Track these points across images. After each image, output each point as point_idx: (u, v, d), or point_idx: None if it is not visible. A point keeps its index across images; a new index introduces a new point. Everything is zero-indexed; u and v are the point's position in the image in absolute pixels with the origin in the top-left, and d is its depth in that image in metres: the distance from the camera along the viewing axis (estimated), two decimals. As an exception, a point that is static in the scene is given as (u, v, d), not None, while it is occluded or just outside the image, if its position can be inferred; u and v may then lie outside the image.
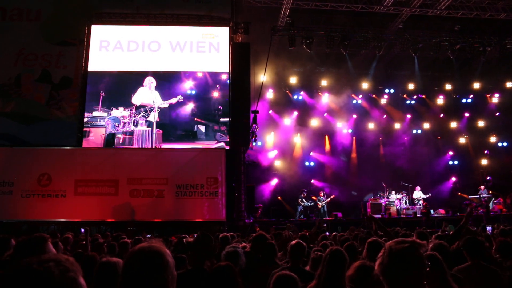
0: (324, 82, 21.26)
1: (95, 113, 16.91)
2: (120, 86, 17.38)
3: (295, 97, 21.83)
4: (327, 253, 3.61)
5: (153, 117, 17.12)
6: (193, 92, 17.52)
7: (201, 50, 17.71)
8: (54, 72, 16.86)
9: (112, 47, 17.49)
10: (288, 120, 21.52)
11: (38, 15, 17.17)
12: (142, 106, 17.11)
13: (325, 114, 22.11)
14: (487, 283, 4.19)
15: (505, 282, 4.26)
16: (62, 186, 15.68)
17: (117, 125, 17.00)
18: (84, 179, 15.87)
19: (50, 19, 17.18)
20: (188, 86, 17.52)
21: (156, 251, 2.03)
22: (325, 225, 15.59)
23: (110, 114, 16.98)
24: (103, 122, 16.94)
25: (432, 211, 18.75)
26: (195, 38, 17.74)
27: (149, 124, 17.05)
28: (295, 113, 21.74)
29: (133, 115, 16.98)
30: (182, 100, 17.21)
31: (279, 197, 20.38)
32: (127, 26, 17.66)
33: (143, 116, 17.05)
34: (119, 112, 17.04)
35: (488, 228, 9.57)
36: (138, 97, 17.21)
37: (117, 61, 17.45)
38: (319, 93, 21.88)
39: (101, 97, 17.05)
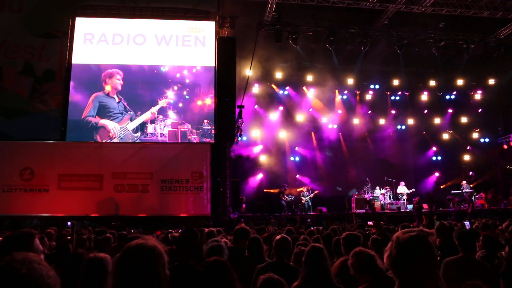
0: (309, 78, 21.28)
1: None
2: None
3: (281, 92, 21.83)
4: (306, 251, 3.63)
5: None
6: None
7: (187, 44, 17.62)
8: (37, 64, 16.62)
9: (96, 40, 17.30)
10: (274, 115, 21.52)
11: (20, 6, 16.89)
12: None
13: (311, 110, 22.16)
14: (476, 276, 4.28)
15: (492, 277, 4.34)
16: (45, 181, 15.50)
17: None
18: (68, 173, 15.70)
19: (33, 10, 16.91)
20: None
21: (153, 248, 2.04)
22: (309, 220, 15.68)
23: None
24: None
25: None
26: (181, 32, 17.63)
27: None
28: (281, 108, 21.74)
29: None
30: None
31: (265, 190, 20.42)
32: (112, 19, 17.49)
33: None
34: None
35: (467, 223, 9.69)
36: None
37: (101, 54, 17.24)
38: (305, 89, 21.91)
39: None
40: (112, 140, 16.67)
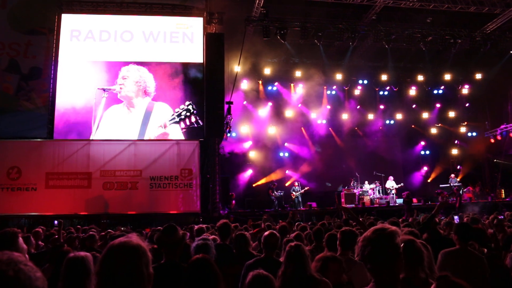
0: (298, 73, 21.29)
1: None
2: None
3: (270, 88, 21.82)
4: (286, 251, 3.63)
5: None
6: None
7: (175, 40, 17.52)
8: (23, 62, 16.40)
9: (83, 36, 17.11)
10: (263, 111, 21.52)
11: (4, 1, 16.61)
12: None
13: (300, 105, 22.18)
14: (472, 268, 4.35)
15: (486, 268, 4.43)
16: (32, 179, 15.38)
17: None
18: (56, 171, 15.60)
19: (17, 6, 16.65)
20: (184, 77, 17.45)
21: (136, 246, 2.02)
22: (299, 215, 15.72)
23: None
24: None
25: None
26: (168, 28, 17.53)
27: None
28: (270, 104, 21.74)
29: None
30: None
31: (253, 184, 20.46)
32: (99, 15, 17.32)
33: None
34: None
35: (456, 217, 9.79)
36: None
37: (88, 51, 17.08)
38: (293, 84, 21.92)
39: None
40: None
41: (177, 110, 16.58)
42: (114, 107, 16.58)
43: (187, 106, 16.52)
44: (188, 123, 16.39)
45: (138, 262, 1.99)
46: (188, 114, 16.40)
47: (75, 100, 16.49)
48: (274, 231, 4.94)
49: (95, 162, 15.90)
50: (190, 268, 2.99)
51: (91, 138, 16.22)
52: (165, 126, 16.50)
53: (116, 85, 16.64)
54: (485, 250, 5.48)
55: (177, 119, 16.47)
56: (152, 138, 16.54)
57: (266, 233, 4.83)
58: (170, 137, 16.56)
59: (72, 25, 17.12)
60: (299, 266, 3.41)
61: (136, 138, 16.45)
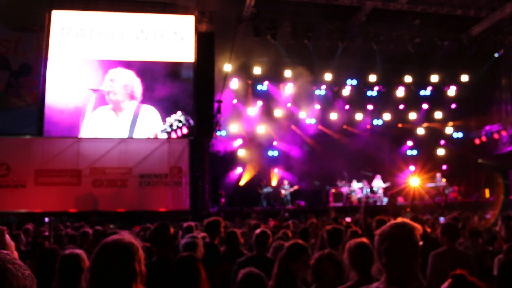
0: (288, 73, 21.41)
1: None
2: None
3: (260, 87, 21.91)
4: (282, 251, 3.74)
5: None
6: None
7: (166, 39, 17.54)
8: (13, 58, 16.32)
9: (74, 33, 17.05)
10: (252, 110, 21.62)
11: (-6, -1, 16.53)
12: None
13: (289, 105, 22.31)
14: (461, 267, 4.51)
15: (475, 266, 4.58)
16: (21, 176, 15.31)
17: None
18: (45, 169, 15.56)
19: (7, 3, 16.53)
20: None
21: (129, 244, 2.06)
22: (287, 214, 15.88)
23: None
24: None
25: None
26: (159, 27, 17.55)
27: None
28: (259, 102, 21.84)
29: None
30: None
31: (240, 183, 20.56)
32: (90, 12, 17.24)
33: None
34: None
35: (441, 218, 9.98)
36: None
37: (79, 49, 17.04)
38: (283, 84, 22.05)
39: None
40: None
41: (168, 119, 16.57)
42: (101, 108, 16.57)
43: (179, 117, 16.53)
44: (179, 134, 16.44)
45: (131, 260, 2.02)
46: (180, 125, 16.43)
47: (64, 98, 16.44)
48: (266, 229, 5.06)
49: (85, 159, 15.88)
50: (174, 266, 3.05)
51: (79, 136, 16.22)
52: (155, 137, 16.59)
53: (105, 85, 16.64)
54: (490, 247, 5.70)
55: (169, 130, 16.50)
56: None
57: (258, 231, 4.93)
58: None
59: (62, 22, 17.04)
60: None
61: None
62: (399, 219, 2.37)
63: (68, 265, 3.22)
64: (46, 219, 11.67)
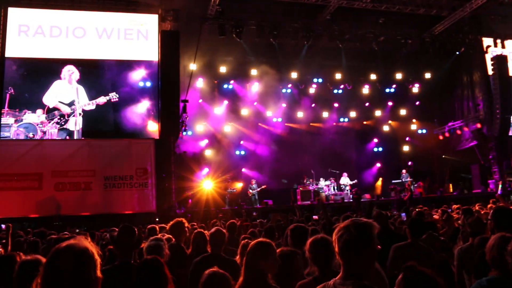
0: (254, 71, 21.38)
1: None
2: (37, 81, 16.23)
3: (225, 86, 21.77)
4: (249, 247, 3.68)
5: (74, 123, 16.23)
6: (148, 84, 17.05)
7: (129, 37, 17.22)
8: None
9: (32, 32, 16.50)
10: (219, 109, 21.48)
11: None
12: (55, 108, 16.09)
13: (255, 103, 22.27)
14: (421, 262, 4.56)
15: (437, 262, 4.65)
16: (-21, 181, 14.75)
17: (32, 135, 15.80)
18: (4, 173, 15.02)
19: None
20: (139, 75, 17.00)
21: (83, 250, 1.97)
22: (255, 213, 15.85)
23: (22, 120, 15.80)
24: (9, 133, 15.61)
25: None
26: (122, 25, 17.20)
27: (69, 133, 16.18)
28: (225, 102, 21.71)
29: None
30: (116, 99, 16.54)
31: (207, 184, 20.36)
32: (50, 10, 16.73)
33: (56, 123, 15.97)
34: (36, 116, 15.92)
35: (403, 214, 10.14)
36: (52, 95, 16.13)
37: (38, 48, 16.49)
38: (249, 83, 21.98)
39: (8, 95, 15.69)
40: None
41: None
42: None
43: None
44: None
45: (85, 266, 1.93)
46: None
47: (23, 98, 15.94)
48: (221, 228, 5.03)
49: (47, 162, 15.41)
50: (138, 269, 3.00)
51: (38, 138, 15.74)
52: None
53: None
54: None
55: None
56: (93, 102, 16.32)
57: (213, 229, 4.92)
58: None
59: (20, 19, 16.44)
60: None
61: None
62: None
63: (26, 273, 3.06)
64: (3, 226, 11.21)
